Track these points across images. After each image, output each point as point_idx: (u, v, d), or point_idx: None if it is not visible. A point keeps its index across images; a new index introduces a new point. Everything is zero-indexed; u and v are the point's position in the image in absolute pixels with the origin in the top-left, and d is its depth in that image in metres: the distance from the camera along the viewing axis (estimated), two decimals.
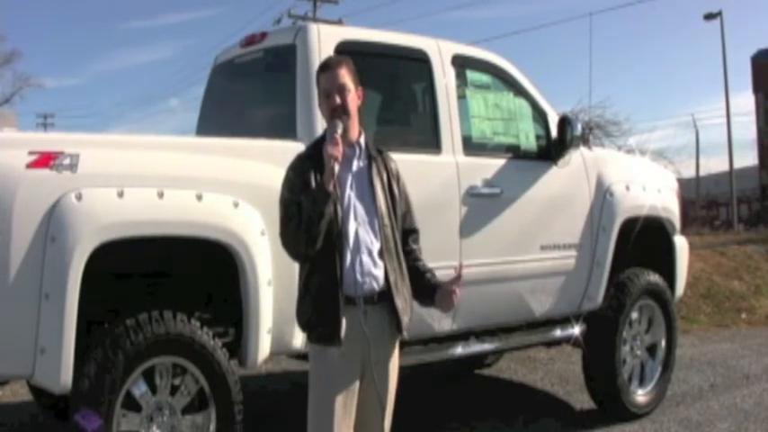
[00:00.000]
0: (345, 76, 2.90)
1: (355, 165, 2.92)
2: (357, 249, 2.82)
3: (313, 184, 2.80)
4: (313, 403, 2.88)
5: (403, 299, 2.90)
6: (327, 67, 2.95)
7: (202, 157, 3.85)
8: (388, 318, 2.88)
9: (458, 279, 2.90)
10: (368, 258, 2.84)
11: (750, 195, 40.56)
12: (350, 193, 2.87)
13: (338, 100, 2.87)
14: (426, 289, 3.00)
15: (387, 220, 2.90)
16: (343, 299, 2.79)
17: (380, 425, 2.91)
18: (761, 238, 15.06)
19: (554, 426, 5.45)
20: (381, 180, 2.94)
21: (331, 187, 2.74)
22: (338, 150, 2.75)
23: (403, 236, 3.00)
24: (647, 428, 5.32)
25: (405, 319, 2.90)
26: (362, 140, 2.96)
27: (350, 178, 2.89)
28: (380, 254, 2.86)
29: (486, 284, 4.67)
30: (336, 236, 2.78)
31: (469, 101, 4.84)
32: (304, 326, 2.90)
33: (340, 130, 2.81)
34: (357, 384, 2.86)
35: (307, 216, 2.71)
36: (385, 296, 2.86)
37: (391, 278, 2.86)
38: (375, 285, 2.85)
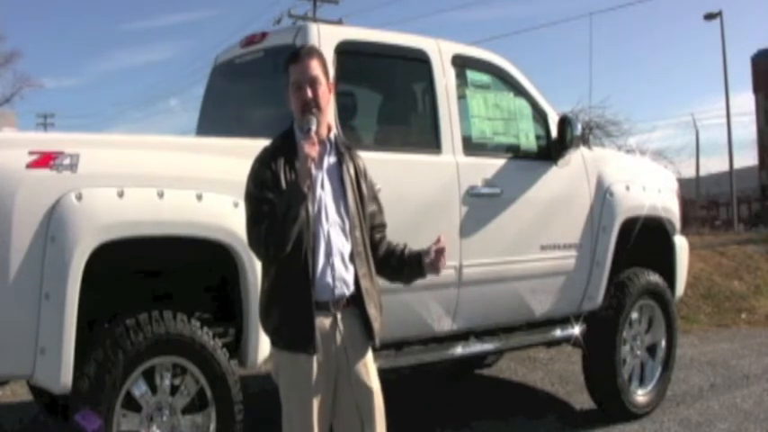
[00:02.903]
0: (317, 68, 2.79)
1: (326, 162, 2.82)
2: (329, 253, 2.74)
3: (283, 181, 2.70)
4: (288, 415, 2.77)
5: (374, 305, 2.83)
6: (297, 57, 2.81)
7: (202, 157, 3.84)
8: (359, 324, 2.81)
9: (438, 241, 2.83)
10: (340, 262, 2.76)
11: (750, 195, 40.55)
12: (321, 193, 2.77)
13: (310, 93, 2.76)
14: (410, 260, 2.91)
15: (357, 221, 2.81)
16: (314, 304, 2.70)
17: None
18: (761, 238, 15.03)
19: (554, 426, 5.45)
20: (351, 177, 2.85)
21: (306, 188, 2.64)
22: (315, 150, 2.65)
23: (371, 231, 2.92)
24: (647, 428, 5.32)
25: (376, 326, 2.82)
26: (332, 136, 2.87)
27: (321, 176, 2.79)
28: (351, 257, 2.79)
29: (486, 284, 4.68)
30: (307, 237, 2.68)
31: (469, 101, 4.84)
32: (271, 332, 2.79)
33: (314, 127, 2.71)
34: (331, 393, 2.77)
35: (280, 218, 2.61)
36: (355, 301, 2.79)
37: (362, 283, 2.79)
38: (346, 290, 2.77)
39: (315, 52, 2.87)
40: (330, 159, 2.84)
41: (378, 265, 2.91)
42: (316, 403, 2.72)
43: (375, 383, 2.85)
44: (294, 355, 2.73)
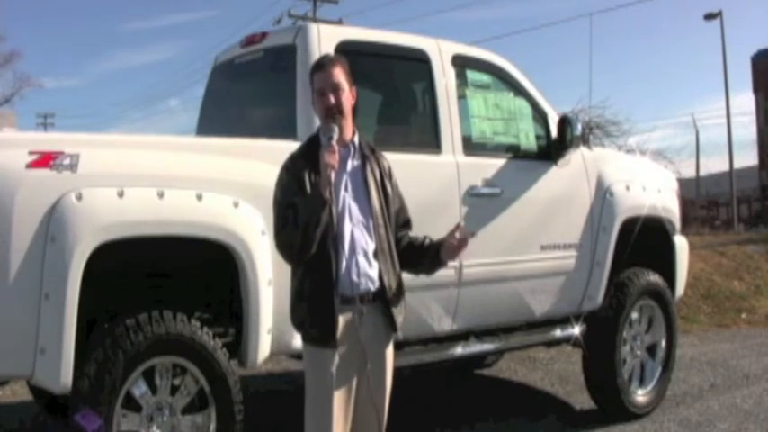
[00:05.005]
0: (339, 75, 2.92)
1: (349, 165, 2.94)
2: (353, 251, 2.85)
3: (308, 186, 2.81)
4: (310, 404, 2.90)
5: (396, 299, 2.93)
6: (321, 66, 2.96)
7: (202, 157, 3.85)
8: (383, 318, 2.92)
9: (457, 228, 2.94)
10: (363, 259, 2.87)
11: (750, 195, 40.48)
12: (344, 194, 2.90)
13: (332, 99, 2.89)
14: (428, 251, 3.03)
15: (380, 220, 2.93)
16: (339, 300, 2.81)
17: (376, 424, 2.92)
18: (761, 238, 15.02)
19: (554, 426, 5.45)
20: (375, 179, 2.97)
21: (327, 194, 2.75)
22: (335, 159, 2.77)
23: (397, 229, 3.05)
24: (647, 428, 5.32)
25: (399, 319, 2.94)
26: (356, 140, 2.99)
27: (344, 179, 2.91)
28: (375, 254, 2.89)
29: (486, 284, 4.68)
30: (332, 238, 2.80)
31: (469, 101, 4.84)
32: (298, 327, 2.93)
33: (336, 136, 2.83)
34: (354, 384, 2.89)
35: (303, 222, 2.73)
36: (379, 296, 2.90)
37: (385, 279, 2.90)
38: (370, 286, 2.88)
39: (338, 60, 3.00)
40: (354, 162, 2.96)
41: (400, 260, 3.02)
42: (337, 396, 2.84)
43: (388, 381, 2.98)
44: (318, 349, 2.86)
